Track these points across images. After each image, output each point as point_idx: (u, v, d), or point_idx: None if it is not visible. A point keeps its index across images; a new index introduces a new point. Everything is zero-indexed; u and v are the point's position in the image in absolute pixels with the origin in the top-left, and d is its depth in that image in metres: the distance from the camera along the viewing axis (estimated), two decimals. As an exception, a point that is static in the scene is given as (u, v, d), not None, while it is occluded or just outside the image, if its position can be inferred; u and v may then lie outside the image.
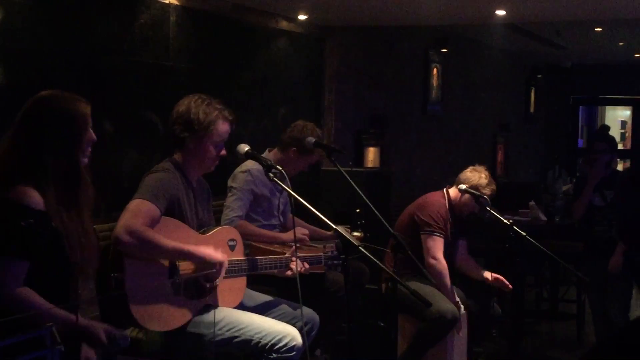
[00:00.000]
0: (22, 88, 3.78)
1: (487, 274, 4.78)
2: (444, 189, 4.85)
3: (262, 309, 3.61)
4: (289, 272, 3.61)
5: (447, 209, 4.73)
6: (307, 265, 3.67)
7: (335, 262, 3.78)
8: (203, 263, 3.24)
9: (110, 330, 2.65)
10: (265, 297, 3.76)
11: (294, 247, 3.66)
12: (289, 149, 4.47)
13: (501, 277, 4.73)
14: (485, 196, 4.64)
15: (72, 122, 2.66)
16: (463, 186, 4.72)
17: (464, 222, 4.91)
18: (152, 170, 3.39)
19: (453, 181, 4.85)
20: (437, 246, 4.63)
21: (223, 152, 3.49)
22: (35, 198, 2.56)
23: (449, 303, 4.52)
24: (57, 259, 2.60)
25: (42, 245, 2.56)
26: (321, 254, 3.81)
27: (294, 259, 3.62)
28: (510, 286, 4.72)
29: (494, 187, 4.74)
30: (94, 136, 2.73)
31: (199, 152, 3.44)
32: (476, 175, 4.73)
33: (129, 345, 2.68)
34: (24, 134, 2.64)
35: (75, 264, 2.64)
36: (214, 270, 3.25)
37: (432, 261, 4.58)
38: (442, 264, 4.62)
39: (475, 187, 4.67)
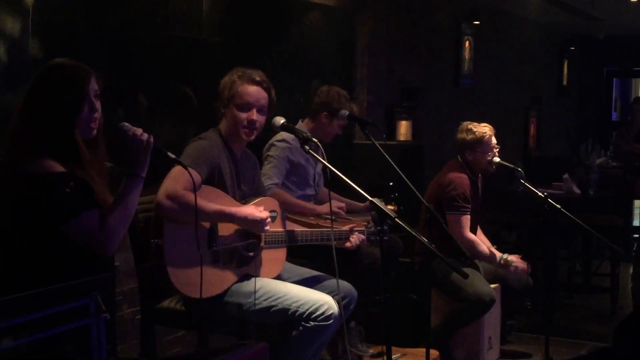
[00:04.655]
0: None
1: (513, 260, 4.75)
2: (458, 158, 4.81)
3: (300, 282, 3.61)
4: (348, 244, 3.67)
5: (469, 182, 4.71)
6: (363, 238, 3.71)
7: (377, 237, 3.78)
8: (246, 223, 3.26)
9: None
10: (303, 270, 3.77)
11: (330, 220, 3.68)
12: (320, 115, 4.48)
13: (520, 264, 4.72)
14: (495, 148, 4.67)
15: (70, 89, 2.59)
16: (496, 159, 4.71)
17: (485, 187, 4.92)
18: (195, 138, 3.45)
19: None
20: (463, 224, 4.64)
21: (252, 116, 3.46)
22: (57, 165, 2.52)
23: (487, 285, 4.51)
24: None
25: (88, 200, 2.56)
26: (364, 229, 3.82)
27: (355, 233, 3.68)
28: (529, 269, 4.72)
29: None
30: (97, 107, 2.63)
31: (228, 118, 3.49)
32: (479, 132, 4.72)
33: None
34: (26, 103, 2.61)
35: None
36: (254, 241, 3.27)
37: (460, 240, 4.56)
38: (470, 238, 4.63)
39: (485, 142, 4.70)
